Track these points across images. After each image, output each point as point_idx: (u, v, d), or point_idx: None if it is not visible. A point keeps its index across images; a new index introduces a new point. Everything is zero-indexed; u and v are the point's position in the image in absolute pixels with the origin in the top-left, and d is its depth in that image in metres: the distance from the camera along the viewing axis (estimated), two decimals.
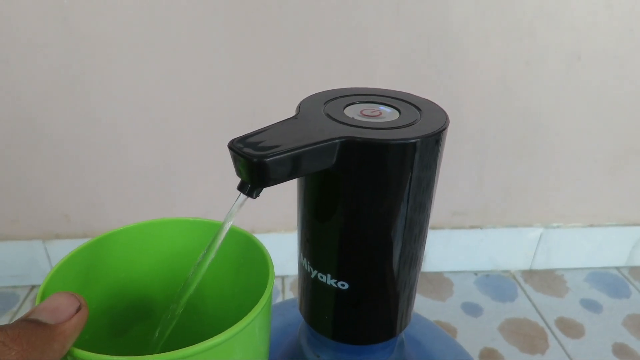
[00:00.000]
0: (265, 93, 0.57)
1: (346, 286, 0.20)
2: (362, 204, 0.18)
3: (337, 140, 0.17)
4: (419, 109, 0.20)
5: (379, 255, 0.20)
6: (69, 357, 0.16)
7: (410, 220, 0.19)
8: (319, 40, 0.55)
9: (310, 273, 0.21)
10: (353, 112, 0.19)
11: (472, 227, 0.70)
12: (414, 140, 0.17)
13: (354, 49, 0.56)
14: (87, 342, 0.21)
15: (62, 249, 0.67)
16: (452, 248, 0.71)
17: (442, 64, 0.59)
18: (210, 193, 0.64)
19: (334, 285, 0.20)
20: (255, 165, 0.16)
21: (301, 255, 0.22)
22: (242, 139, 0.17)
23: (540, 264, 0.73)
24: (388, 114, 0.19)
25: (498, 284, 0.70)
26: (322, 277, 0.21)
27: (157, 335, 0.19)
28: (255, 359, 0.19)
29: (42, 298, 0.18)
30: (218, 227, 0.21)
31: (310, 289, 0.22)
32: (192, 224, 0.22)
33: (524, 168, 0.67)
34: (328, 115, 0.19)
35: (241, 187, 0.17)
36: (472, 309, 0.66)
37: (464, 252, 0.71)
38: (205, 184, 0.63)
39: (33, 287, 0.68)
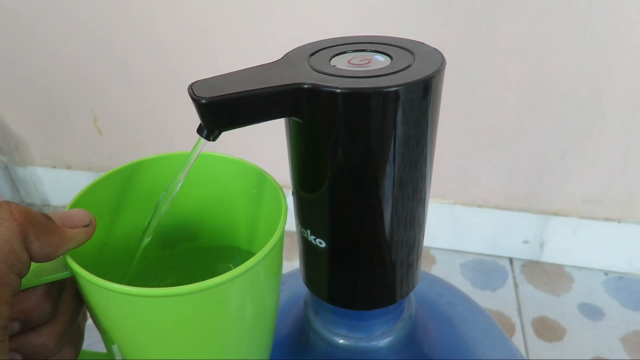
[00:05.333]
0: None
1: (324, 244, 0.19)
2: (332, 158, 0.17)
3: (290, 87, 0.16)
4: (415, 59, 0.17)
5: (357, 215, 0.18)
6: (68, 271, 0.18)
7: (398, 178, 0.17)
8: None
9: (298, 227, 0.21)
10: (340, 60, 0.18)
11: (607, 219, 0.60)
12: (369, 91, 0.15)
13: (475, 6, 0.50)
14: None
15: None
16: (579, 240, 0.62)
17: (586, 21, 0.49)
18: None
19: (314, 242, 0.20)
20: (203, 106, 0.16)
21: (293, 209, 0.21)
22: (204, 81, 0.17)
23: None
24: (379, 62, 0.18)
25: (634, 289, 0.59)
26: (304, 233, 0.20)
27: (131, 260, 0.21)
28: (259, 301, 0.19)
29: (69, 209, 0.20)
30: (260, 174, 0.22)
31: (300, 243, 0.21)
32: (234, 163, 0.23)
33: None
34: (309, 63, 0.18)
35: (199, 130, 0.17)
36: (591, 312, 0.57)
37: (594, 247, 0.62)
38: None
39: None
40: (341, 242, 0.19)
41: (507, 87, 0.55)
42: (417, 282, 0.22)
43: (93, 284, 0.16)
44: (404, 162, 0.17)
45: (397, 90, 0.15)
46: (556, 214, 0.61)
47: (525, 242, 0.64)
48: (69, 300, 0.19)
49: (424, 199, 0.19)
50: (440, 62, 0.17)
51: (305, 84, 0.16)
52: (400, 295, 0.21)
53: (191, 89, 0.16)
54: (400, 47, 0.19)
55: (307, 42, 0.19)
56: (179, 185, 0.19)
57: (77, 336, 0.20)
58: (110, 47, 0.65)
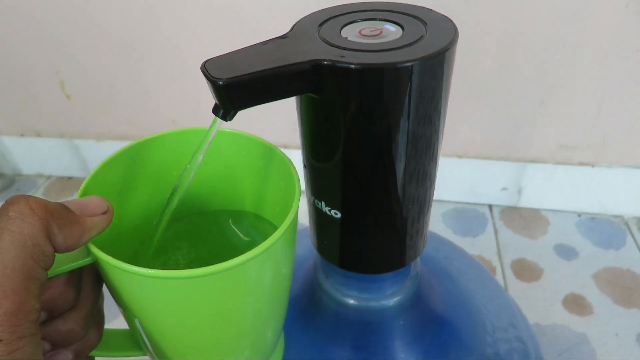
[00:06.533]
0: None
1: (339, 215, 0.20)
2: (350, 131, 0.17)
3: (306, 64, 0.15)
4: (427, 28, 0.17)
5: (371, 187, 0.19)
6: (89, 257, 0.18)
7: (412, 140, 0.18)
8: None
9: (310, 199, 0.21)
10: (350, 31, 0.18)
11: (581, 163, 0.62)
12: (388, 67, 0.15)
13: None
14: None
15: None
16: (554, 185, 0.64)
17: None
18: None
19: (329, 213, 0.20)
20: (221, 88, 0.15)
21: (305, 180, 0.21)
22: (215, 60, 0.16)
23: None
24: (391, 33, 0.17)
25: (604, 229, 0.63)
26: (318, 204, 0.20)
27: (151, 239, 0.21)
28: (280, 272, 0.19)
29: (81, 196, 0.20)
30: (267, 147, 0.21)
31: (312, 214, 0.22)
32: (241, 138, 0.23)
33: None
34: (320, 35, 0.17)
35: (215, 110, 0.17)
36: (566, 252, 0.60)
37: (568, 191, 0.64)
38: None
39: None
40: (357, 211, 0.19)
41: (486, 36, 0.55)
42: (425, 244, 0.23)
43: (118, 269, 0.16)
44: (419, 127, 0.17)
45: (413, 65, 0.15)
46: (533, 160, 0.63)
47: (504, 189, 0.66)
48: (89, 285, 0.19)
49: (436, 157, 0.20)
50: (454, 31, 0.17)
51: (325, 60, 0.15)
52: (411, 258, 0.22)
53: (205, 69, 0.16)
54: (410, 15, 0.18)
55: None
56: (198, 163, 0.19)
57: (100, 318, 0.20)
58: (73, 3, 0.61)
